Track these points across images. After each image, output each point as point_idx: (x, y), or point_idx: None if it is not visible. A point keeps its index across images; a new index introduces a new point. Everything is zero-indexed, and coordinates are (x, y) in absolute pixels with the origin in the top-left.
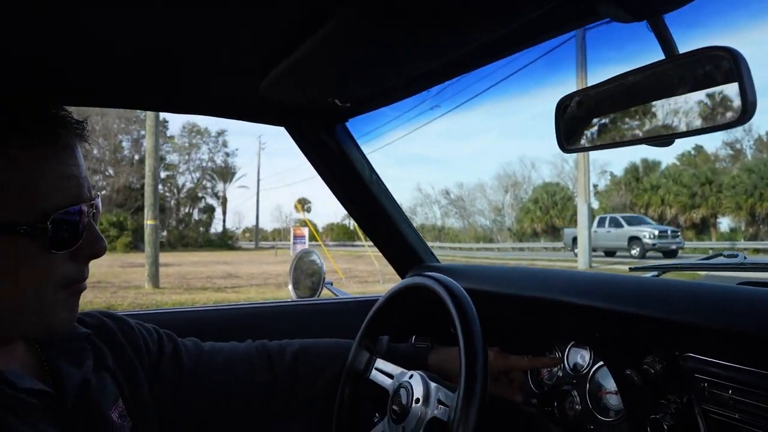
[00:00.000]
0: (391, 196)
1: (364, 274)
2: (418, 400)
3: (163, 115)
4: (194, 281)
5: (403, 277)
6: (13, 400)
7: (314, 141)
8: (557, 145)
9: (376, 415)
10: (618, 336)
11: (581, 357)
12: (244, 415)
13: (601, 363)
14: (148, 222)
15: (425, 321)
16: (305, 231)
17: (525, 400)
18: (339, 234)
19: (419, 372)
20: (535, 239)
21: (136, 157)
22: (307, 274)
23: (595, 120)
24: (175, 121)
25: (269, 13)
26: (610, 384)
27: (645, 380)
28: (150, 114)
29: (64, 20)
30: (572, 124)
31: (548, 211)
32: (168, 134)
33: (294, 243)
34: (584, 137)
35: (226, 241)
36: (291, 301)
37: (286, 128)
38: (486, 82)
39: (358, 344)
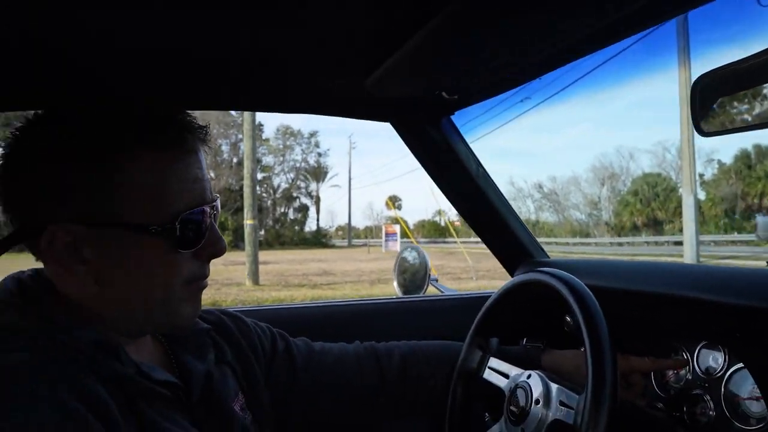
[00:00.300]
0: (498, 190)
1: (457, 271)
2: (537, 401)
3: (258, 118)
4: (291, 278)
5: (512, 274)
6: (146, 391)
7: (420, 135)
8: (694, 129)
9: (486, 415)
10: (763, 336)
11: (713, 359)
12: (352, 415)
13: (740, 365)
14: (248, 222)
15: (538, 319)
16: (397, 228)
17: (649, 404)
18: (430, 231)
19: (537, 372)
20: (635, 233)
21: (235, 160)
22: (411, 270)
23: (740, 99)
24: (270, 124)
25: (377, 11)
26: (750, 389)
27: None
28: (247, 117)
29: (182, 27)
30: (712, 105)
31: (649, 204)
32: (263, 137)
33: (386, 240)
34: (727, 118)
35: (320, 239)
36: (396, 298)
37: (391, 123)
38: (577, 72)
39: (470, 342)
